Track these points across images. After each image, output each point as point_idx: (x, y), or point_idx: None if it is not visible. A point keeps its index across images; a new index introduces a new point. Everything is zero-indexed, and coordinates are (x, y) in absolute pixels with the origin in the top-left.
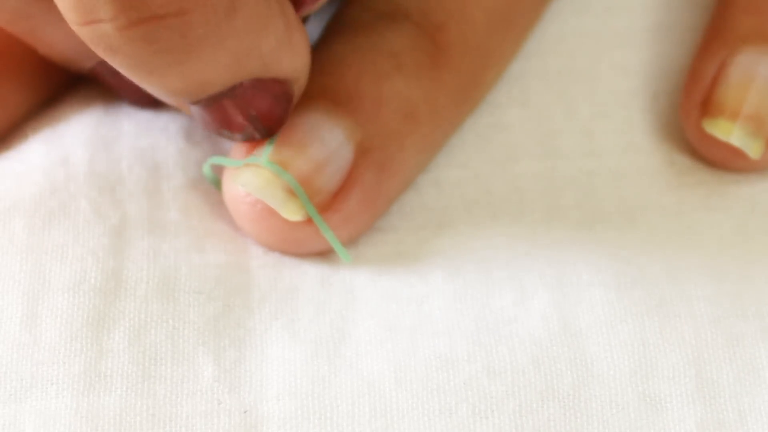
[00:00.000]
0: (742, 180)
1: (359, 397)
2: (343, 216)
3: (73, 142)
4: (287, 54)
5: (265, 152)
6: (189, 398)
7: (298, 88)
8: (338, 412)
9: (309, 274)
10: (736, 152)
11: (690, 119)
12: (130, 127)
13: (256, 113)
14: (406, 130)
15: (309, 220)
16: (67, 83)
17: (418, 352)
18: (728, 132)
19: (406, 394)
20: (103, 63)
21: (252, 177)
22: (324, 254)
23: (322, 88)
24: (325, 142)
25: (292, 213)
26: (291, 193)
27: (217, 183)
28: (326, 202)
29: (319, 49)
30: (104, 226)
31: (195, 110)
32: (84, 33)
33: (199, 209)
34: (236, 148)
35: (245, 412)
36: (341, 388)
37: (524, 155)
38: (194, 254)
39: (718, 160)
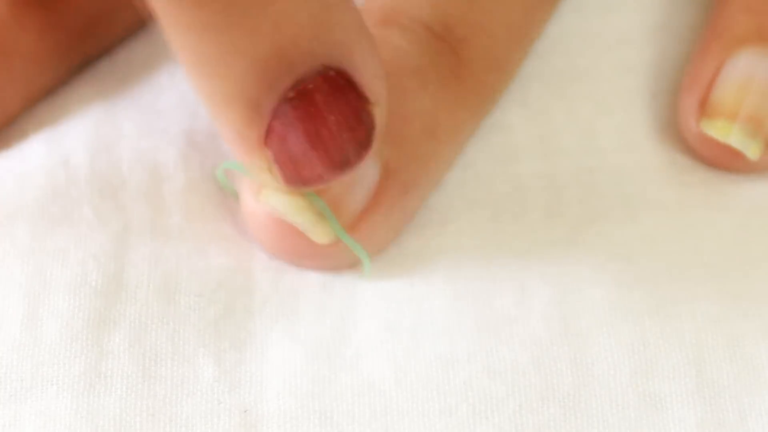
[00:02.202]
0: (742, 179)
1: (359, 397)
2: (366, 235)
3: (73, 144)
4: (364, 53)
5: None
6: (189, 398)
7: (380, 116)
8: (338, 412)
9: (310, 277)
10: (735, 153)
11: (688, 120)
12: (130, 128)
13: (344, 126)
14: (430, 149)
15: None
16: (63, 77)
17: (418, 352)
18: (726, 133)
19: (406, 395)
20: None
21: (280, 200)
22: None
23: None
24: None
25: (322, 236)
26: (321, 215)
27: (230, 188)
28: (353, 222)
29: None
30: (106, 232)
31: (285, 115)
32: None
33: (202, 212)
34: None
35: (245, 411)
36: (341, 388)
37: (525, 155)
38: (196, 258)
39: (717, 161)
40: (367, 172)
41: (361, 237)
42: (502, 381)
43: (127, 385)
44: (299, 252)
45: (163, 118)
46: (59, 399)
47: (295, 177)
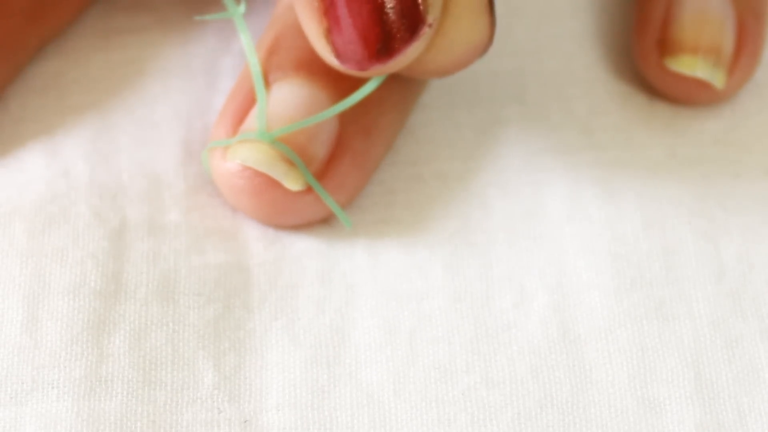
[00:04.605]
0: (744, 174)
1: (358, 409)
2: (337, 182)
3: (72, 156)
4: None
5: (260, 126)
6: (189, 406)
7: (433, 18)
8: (338, 424)
9: (308, 269)
10: (701, 85)
11: (648, 60)
12: (127, 140)
13: (394, 6)
14: (384, 93)
15: (307, 190)
16: (20, 65)
17: (417, 361)
18: (693, 66)
19: (405, 405)
20: None
21: (251, 152)
22: (322, 249)
23: (297, 62)
24: (313, 112)
25: (294, 182)
26: (290, 163)
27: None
28: (321, 170)
29: (277, 26)
30: (104, 230)
31: None
32: None
33: (200, 211)
34: (219, 128)
35: (245, 422)
36: (341, 399)
37: (524, 149)
38: (194, 255)
39: (683, 96)
40: (324, 120)
41: (331, 184)
42: (500, 391)
43: (128, 390)
44: (275, 205)
45: (158, 130)
46: (60, 402)
47: (345, 48)
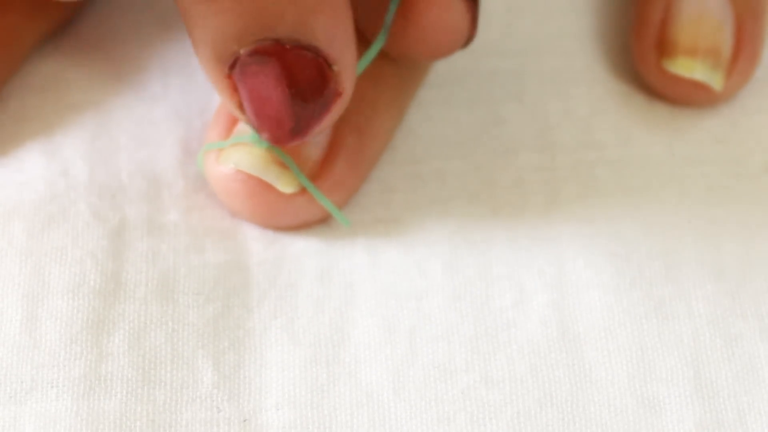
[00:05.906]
0: (744, 173)
1: (358, 408)
2: (333, 182)
3: (72, 155)
4: (329, 22)
5: (252, 129)
6: (189, 405)
7: (345, 86)
8: (337, 422)
9: (308, 268)
10: (699, 87)
11: (647, 62)
12: (126, 140)
13: (301, 87)
14: (377, 93)
15: (302, 191)
16: (18, 61)
17: (416, 360)
18: (691, 68)
19: (405, 404)
20: None
21: (243, 155)
22: (322, 248)
23: None
24: None
25: (287, 185)
26: (283, 165)
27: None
28: (315, 171)
29: None
30: (103, 229)
31: (243, 71)
32: None
33: (199, 211)
34: (213, 131)
35: (245, 420)
36: (340, 398)
37: (523, 147)
38: (193, 254)
39: (681, 97)
40: None
41: (326, 184)
42: (499, 390)
43: (127, 389)
44: (269, 208)
45: (157, 129)
46: (59, 401)
47: (259, 113)
